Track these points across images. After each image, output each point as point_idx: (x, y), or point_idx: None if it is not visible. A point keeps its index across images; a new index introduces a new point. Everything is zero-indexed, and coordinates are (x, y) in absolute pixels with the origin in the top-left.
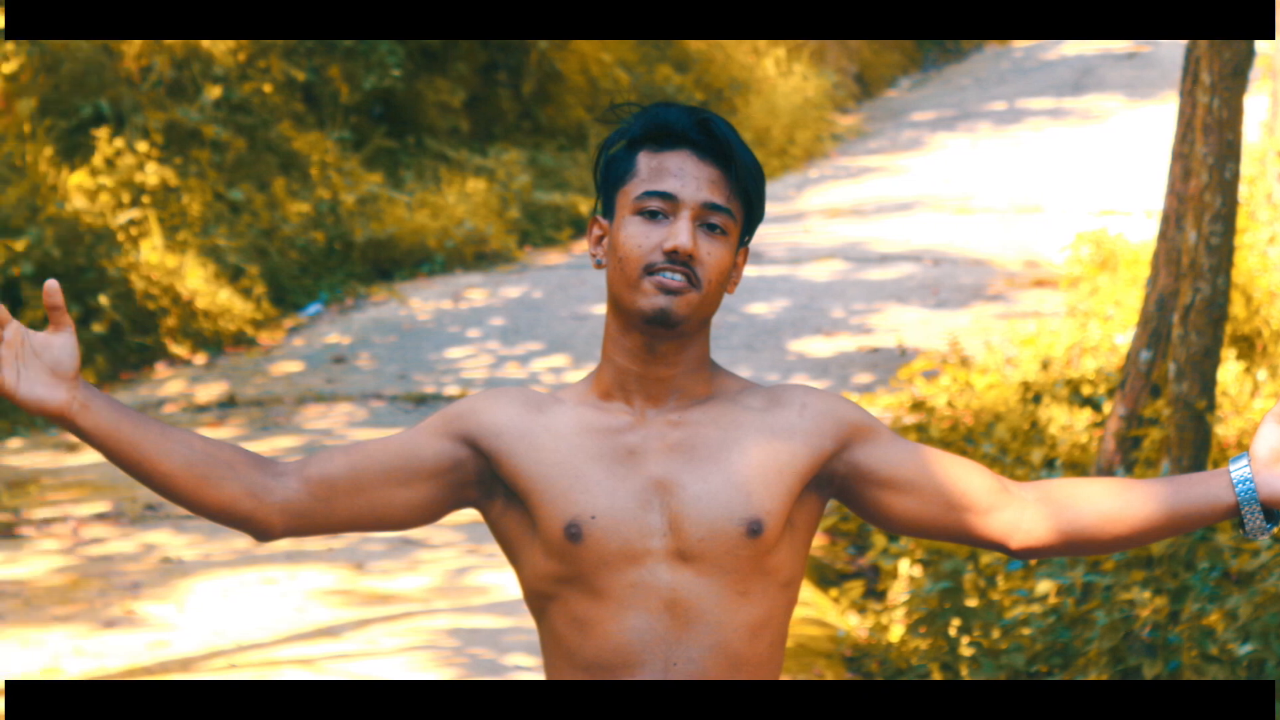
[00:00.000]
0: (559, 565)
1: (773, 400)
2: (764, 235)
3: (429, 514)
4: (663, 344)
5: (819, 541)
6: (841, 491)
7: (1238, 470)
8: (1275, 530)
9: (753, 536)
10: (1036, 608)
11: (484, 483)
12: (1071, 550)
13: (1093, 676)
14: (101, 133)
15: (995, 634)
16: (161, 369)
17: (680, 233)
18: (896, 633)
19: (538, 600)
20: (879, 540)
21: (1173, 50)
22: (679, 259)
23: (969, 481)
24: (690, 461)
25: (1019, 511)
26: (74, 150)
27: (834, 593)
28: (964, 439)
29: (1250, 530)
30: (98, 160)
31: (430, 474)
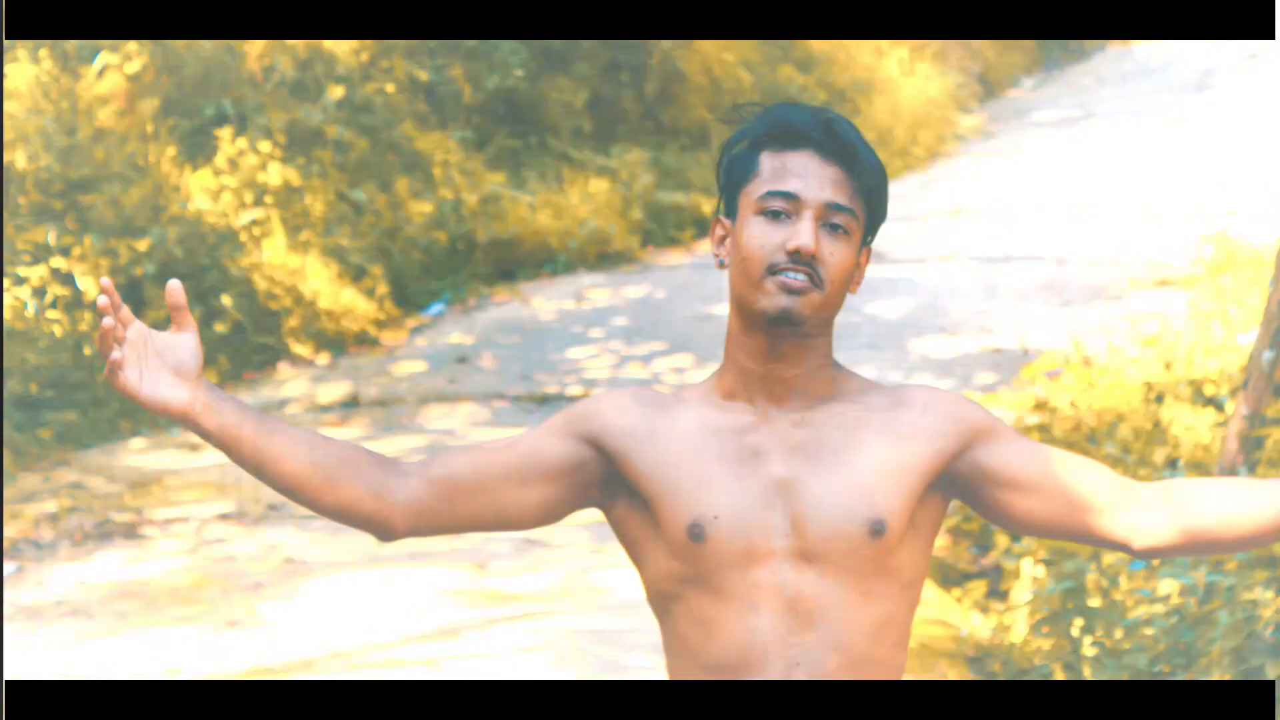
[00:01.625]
0: (682, 565)
1: (895, 400)
2: (886, 235)
3: (551, 514)
4: (785, 344)
5: (941, 541)
6: (964, 491)
7: None
8: None
9: (875, 537)
10: (1159, 608)
11: (607, 483)
12: (1194, 550)
13: (1215, 676)
14: (224, 133)
15: (1118, 634)
16: (284, 369)
17: (803, 233)
18: (1019, 633)
19: (661, 600)
20: (1001, 540)
21: None
22: (802, 259)
23: (1092, 481)
24: (813, 462)
25: (1141, 511)
26: (196, 150)
27: (956, 593)
28: (1086, 439)
29: None
30: (220, 160)
31: (553, 474)
